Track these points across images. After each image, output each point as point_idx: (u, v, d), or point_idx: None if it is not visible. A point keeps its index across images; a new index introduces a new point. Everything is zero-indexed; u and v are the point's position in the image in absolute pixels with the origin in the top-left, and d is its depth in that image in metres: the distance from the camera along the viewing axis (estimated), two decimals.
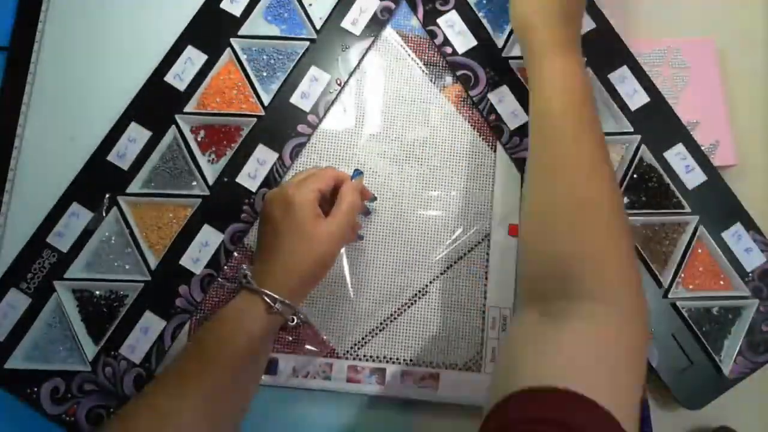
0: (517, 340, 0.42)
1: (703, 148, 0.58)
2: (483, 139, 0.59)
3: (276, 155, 0.58)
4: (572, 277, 0.41)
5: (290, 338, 0.56)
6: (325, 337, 0.56)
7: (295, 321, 0.49)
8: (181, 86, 0.59)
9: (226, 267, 0.57)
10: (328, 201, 0.51)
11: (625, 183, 0.57)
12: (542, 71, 0.49)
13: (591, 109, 0.48)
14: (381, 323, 0.56)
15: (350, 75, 0.60)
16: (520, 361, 0.39)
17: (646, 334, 0.41)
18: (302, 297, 0.49)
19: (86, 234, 0.56)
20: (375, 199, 0.57)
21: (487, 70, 0.59)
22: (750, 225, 0.57)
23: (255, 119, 0.58)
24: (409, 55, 0.61)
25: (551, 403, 0.34)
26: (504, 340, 0.44)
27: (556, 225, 0.44)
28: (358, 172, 0.53)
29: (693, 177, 0.57)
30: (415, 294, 0.57)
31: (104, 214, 0.57)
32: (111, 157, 0.57)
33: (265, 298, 0.46)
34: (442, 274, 0.57)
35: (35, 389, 0.54)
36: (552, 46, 0.49)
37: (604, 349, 0.38)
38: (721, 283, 0.57)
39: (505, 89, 0.59)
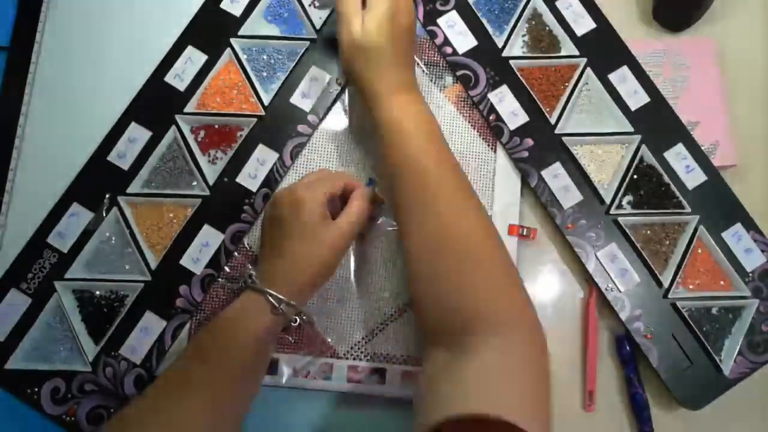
0: (431, 378, 0.43)
1: (703, 148, 0.58)
2: (483, 139, 0.59)
3: (276, 155, 0.58)
4: (468, 313, 0.43)
5: (291, 338, 0.56)
6: (325, 338, 0.56)
7: (299, 322, 0.48)
8: (181, 86, 0.59)
9: (226, 267, 0.57)
10: (336, 204, 0.51)
11: (625, 183, 0.57)
12: (384, 116, 0.49)
13: (443, 145, 0.49)
14: (381, 323, 0.56)
15: None
16: (438, 395, 0.40)
17: (544, 345, 0.43)
18: (307, 298, 0.49)
19: (86, 234, 0.56)
20: (383, 202, 0.57)
21: (488, 70, 0.59)
22: (750, 225, 0.57)
23: (255, 119, 0.58)
24: None
25: (476, 429, 0.36)
26: (419, 379, 0.45)
27: (439, 265, 0.45)
28: (372, 181, 0.54)
29: (693, 177, 0.57)
30: None
31: (104, 214, 0.57)
32: (111, 157, 0.57)
33: (270, 298, 0.46)
34: None
35: (36, 389, 0.54)
36: (390, 93, 0.50)
37: (512, 372, 0.40)
38: (721, 283, 0.57)
39: (505, 89, 0.59)
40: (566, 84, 0.59)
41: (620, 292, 0.56)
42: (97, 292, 0.56)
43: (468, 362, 0.41)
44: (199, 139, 0.58)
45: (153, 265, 0.56)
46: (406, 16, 0.51)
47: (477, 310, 0.43)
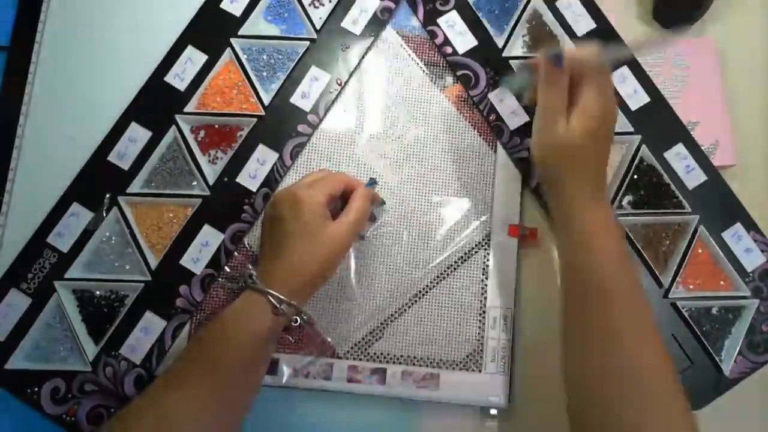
0: None
1: (703, 148, 0.58)
2: (483, 139, 0.59)
3: (276, 155, 0.58)
4: None
5: (291, 338, 0.56)
6: (325, 338, 0.56)
7: (299, 322, 0.48)
8: (181, 86, 0.59)
9: (226, 267, 0.57)
10: (336, 204, 0.51)
11: (625, 183, 0.57)
12: (576, 228, 0.46)
13: (632, 267, 0.46)
14: (381, 323, 0.56)
15: (350, 75, 0.60)
16: None
17: None
18: (307, 298, 0.49)
19: (86, 234, 0.56)
20: (384, 203, 0.57)
21: (488, 70, 0.59)
22: (750, 225, 0.57)
23: (255, 119, 0.58)
24: (409, 55, 0.61)
25: None
26: None
27: (617, 395, 0.42)
28: (372, 181, 0.54)
29: (693, 177, 0.57)
30: (416, 294, 0.57)
31: (104, 214, 0.57)
32: (111, 157, 0.57)
33: (271, 298, 0.46)
34: (442, 274, 0.57)
35: (36, 389, 0.54)
36: (585, 203, 0.46)
37: None
38: (722, 283, 0.57)
39: (505, 89, 0.59)
40: None
41: None
42: (97, 292, 0.56)
43: None
44: (199, 139, 0.58)
45: (153, 265, 0.56)
46: (613, 117, 0.48)
47: None
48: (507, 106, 0.59)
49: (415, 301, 0.57)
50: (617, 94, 0.59)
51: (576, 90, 0.48)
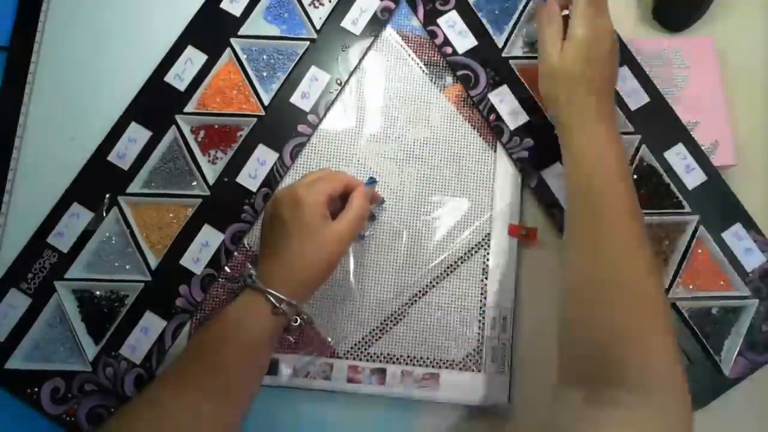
0: (563, 424, 0.42)
1: (703, 148, 0.58)
2: (483, 139, 0.59)
3: (276, 155, 0.58)
4: (617, 364, 0.42)
5: (291, 338, 0.56)
6: (325, 338, 0.56)
7: (299, 322, 0.48)
8: (181, 86, 0.59)
9: (226, 267, 0.57)
10: (336, 204, 0.51)
11: None
12: (574, 147, 0.49)
13: (628, 183, 0.48)
14: (381, 323, 0.56)
15: (350, 75, 0.60)
16: None
17: (691, 415, 0.41)
18: (306, 298, 0.49)
19: (86, 234, 0.56)
20: (383, 201, 0.57)
21: (488, 70, 0.59)
22: (750, 225, 0.57)
23: (255, 119, 0.58)
24: (409, 55, 0.61)
25: None
26: (549, 414, 0.45)
27: (599, 308, 0.44)
28: (372, 180, 0.54)
29: (693, 177, 0.57)
30: (415, 294, 0.57)
31: (104, 215, 0.57)
32: (111, 157, 0.57)
33: (270, 298, 0.46)
34: (441, 274, 0.57)
35: (35, 389, 0.54)
36: (583, 123, 0.49)
37: None
38: (721, 283, 0.57)
39: (505, 89, 0.59)
40: None
41: None
42: (97, 292, 0.56)
43: (605, 422, 0.39)
44: (199, 139, 0.58)
45: (153, 265, 0.56)
46: (605, 41, 0.50)
47: (628, 361, 0.41)
48: (507, 106, 0.59)
49: (415, 301, 0.57)
50: (617, 93, 0.59)
51: (570, 22, 0.51)
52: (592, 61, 0.50)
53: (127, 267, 0.56)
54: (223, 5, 0.60)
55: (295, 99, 0.59)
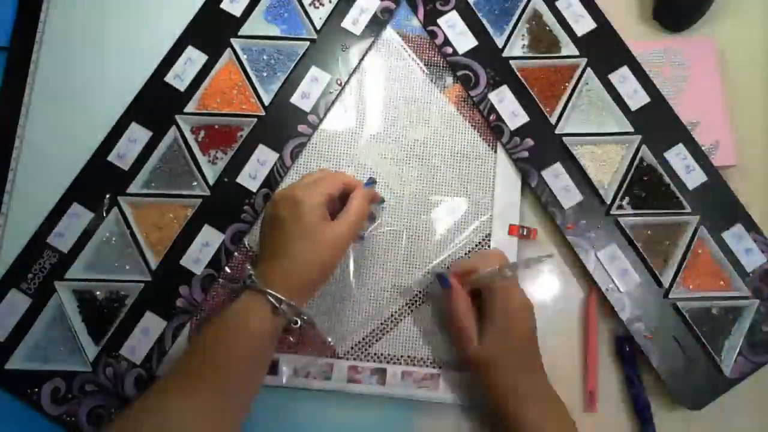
0: None
1: (703, 148, 0.58)
2: (483, 139, 0.59)
3: (276, 155, 0.58)
4: None
5: (291, 338, 0.56)
6: (325, 338, 0.56)
7: (299, 322, 0.48)
8: (181, 86, 0.59)
9: (226, 267, 0.57)
10: (336, 204, 0.51)
11: (625, 183, 0.57)
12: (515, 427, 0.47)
13: None
14: (381, 324, 0.56)
15: (350, 75, 0.60)
16: None
17: None
18: (306, 298, 0.49)
19: (87, 234, 0.56)
20: (383, 201, 0.57)
21: (488, 70, 0.59)
22: (750, 225, 0.57)
23: (255, 119, 0.58)
24: (409, 55, 0.61)
25: None
26: None
27: None
28: (372, 181, 0.54)
29: (693, 177, 0.57)
30: (416, 294, 0.57)
31: (105, 215, 0.57)
32: (111, 158, 0.57)
33: (270, 298, 0.46)
34: None
35: (36, 389, 0.54)
36: (517, 399, 0.48)
37: None
38: (722, 283, 0.57)
39: (505, 89, 0.59)
40: (566, 84, 0.59)
41: (620, 292, 0.56)
42: (98, 293, 0.56)
43: None
44: (200, 139, 0.58)
45: (153, 265, 0.56)
46: (525, 319, 0.50)
47: None
48: (507, 106, 0.59)
49: (415, 301, 0.57)
50: (617, 93, 0.59)
51: (485, 301, 0.50)
52: (516, 340, 0.49)
53: (128, 267, 0.56)
54: (223, 5, 0.60)
55: (296, 99, 0.59)
